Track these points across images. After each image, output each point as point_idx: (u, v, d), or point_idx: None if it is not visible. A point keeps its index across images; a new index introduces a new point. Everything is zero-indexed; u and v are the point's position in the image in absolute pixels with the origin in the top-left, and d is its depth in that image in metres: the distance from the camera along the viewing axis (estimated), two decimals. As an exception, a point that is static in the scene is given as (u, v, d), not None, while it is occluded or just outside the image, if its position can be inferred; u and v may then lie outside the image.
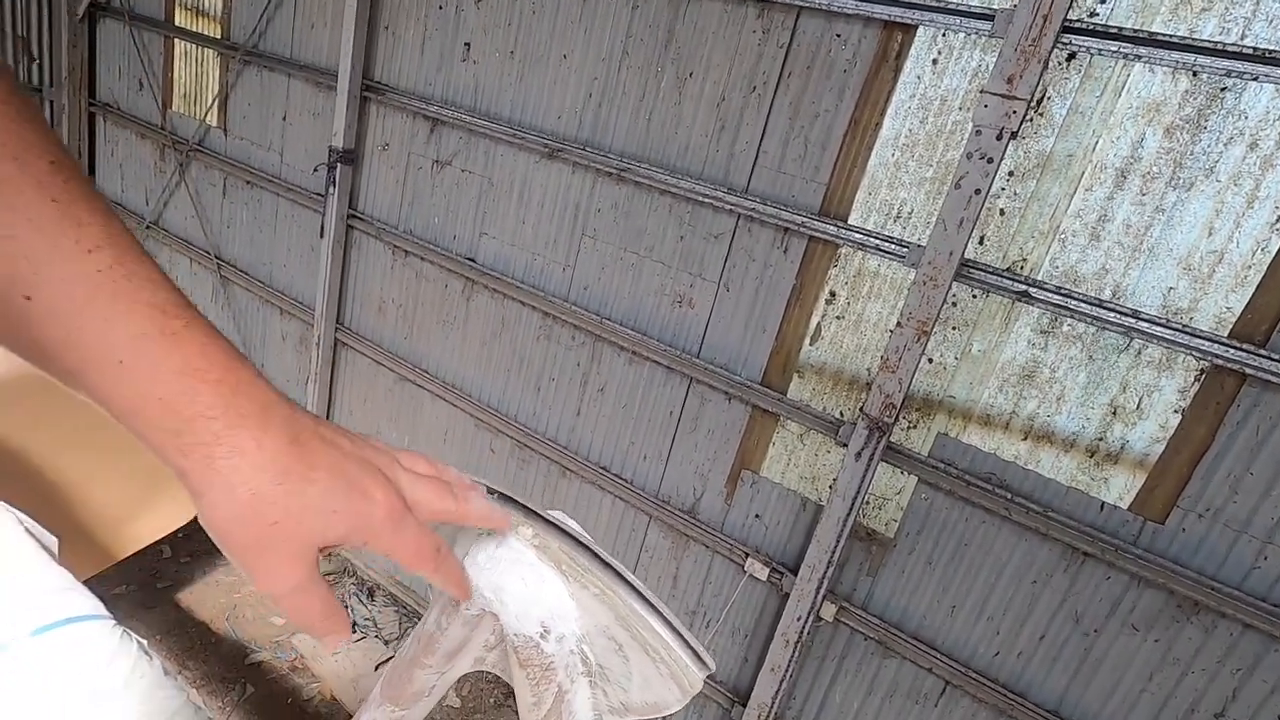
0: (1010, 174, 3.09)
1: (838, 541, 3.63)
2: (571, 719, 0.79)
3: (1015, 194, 3.11)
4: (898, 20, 3.21)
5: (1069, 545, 3.24)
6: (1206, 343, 2.84)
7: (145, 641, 1.64)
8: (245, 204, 6.26)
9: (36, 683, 1.47)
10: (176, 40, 6.42)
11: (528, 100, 4.43)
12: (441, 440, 5.35)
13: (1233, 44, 2.63)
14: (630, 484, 4.49)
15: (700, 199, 3.87)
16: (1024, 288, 3.12)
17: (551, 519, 0.87)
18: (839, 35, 3.37)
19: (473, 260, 4.87)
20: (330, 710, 4.94)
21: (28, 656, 1.50)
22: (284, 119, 5.77)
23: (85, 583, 1.74)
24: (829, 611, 3.83)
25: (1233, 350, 2.80)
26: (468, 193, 4.81)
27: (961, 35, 3.08)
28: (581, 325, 4.46)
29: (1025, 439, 3.29)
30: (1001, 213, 3.15)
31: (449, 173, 4.87)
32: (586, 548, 0.79)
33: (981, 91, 2.91)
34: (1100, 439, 3.13)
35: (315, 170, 5.52)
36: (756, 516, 4.08)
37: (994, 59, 2.97)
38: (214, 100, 6.21)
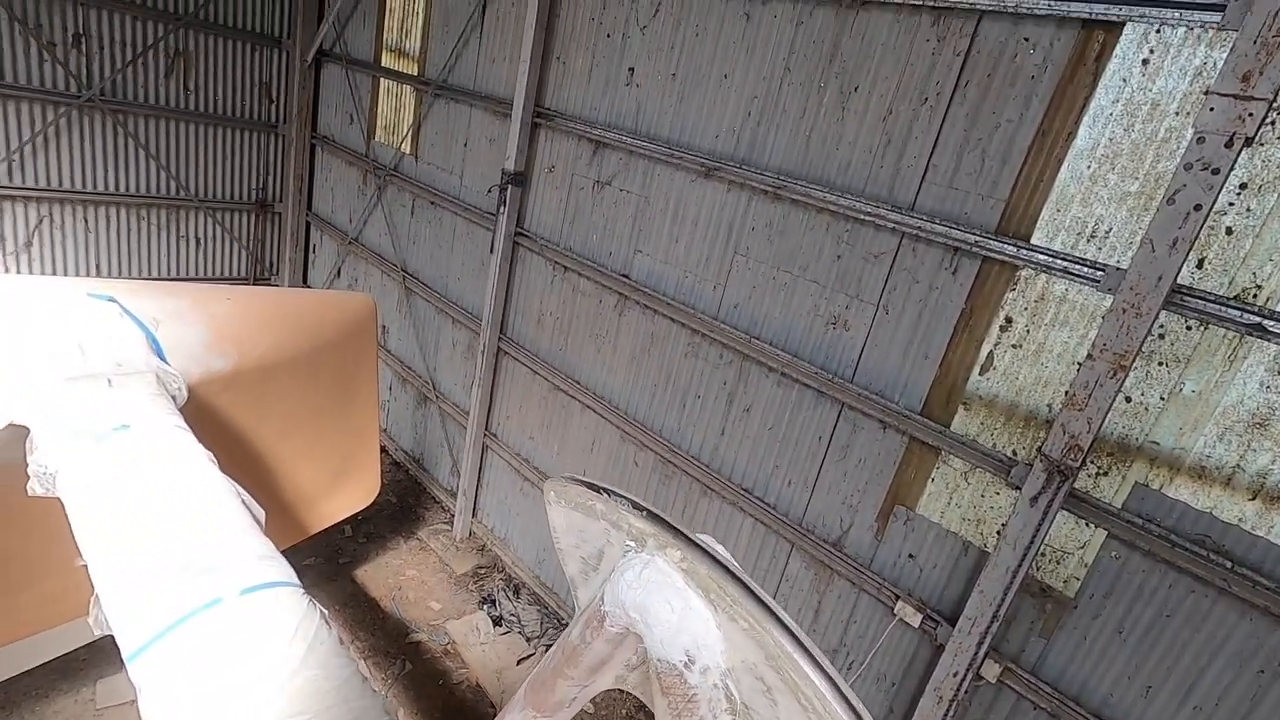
0: (1242, 187, 2.65)
1: (1005, 594, 3.27)
2: None
3: (1248, 210, 2.65)
4: (1100, 18, 2.87)
5: (1310, 632, 2.68)
6: None
7: (326, 612, 1.83)
8: (428, 222, 6.90)
9: (240, 635, 1.69)
10: (381, 79, 7.26)
11: (686, 121, 4.50)
12: (589, 450, 5.53)
13: None
14: (773, 509, 4.36)
15: (860, 217, 3.70)
16: (1257, 319, 2.65)
17: (701, 543, 0.85)
18: (1026, 39, 3.08)
19: (626, 276, 5.00)
20: (475, 697, 5.24)
21: (236, 611, 1.72)
22: (465, 145, 6.31)
23: (283, 553, 1.98)
24: (992, 671, 3.46)
25: None
26: (625, 211, 4.96)
27: (1182, 30, 2.70)
28: (730, 344, 4.41)
29: (1254, 499, 2.77)
30: (1229, 231, 2.70)
31: (608, 192, 5.06)
32: (737, 578, 0.76)
33: (1207, 92, 2.52)
34: (1359, 507, 2.56)
35: (489, 191, 5.97)
36: (910, 556, 3.79)
37: (1223, 55, 2.57)
38: (409, 130, 6.94)
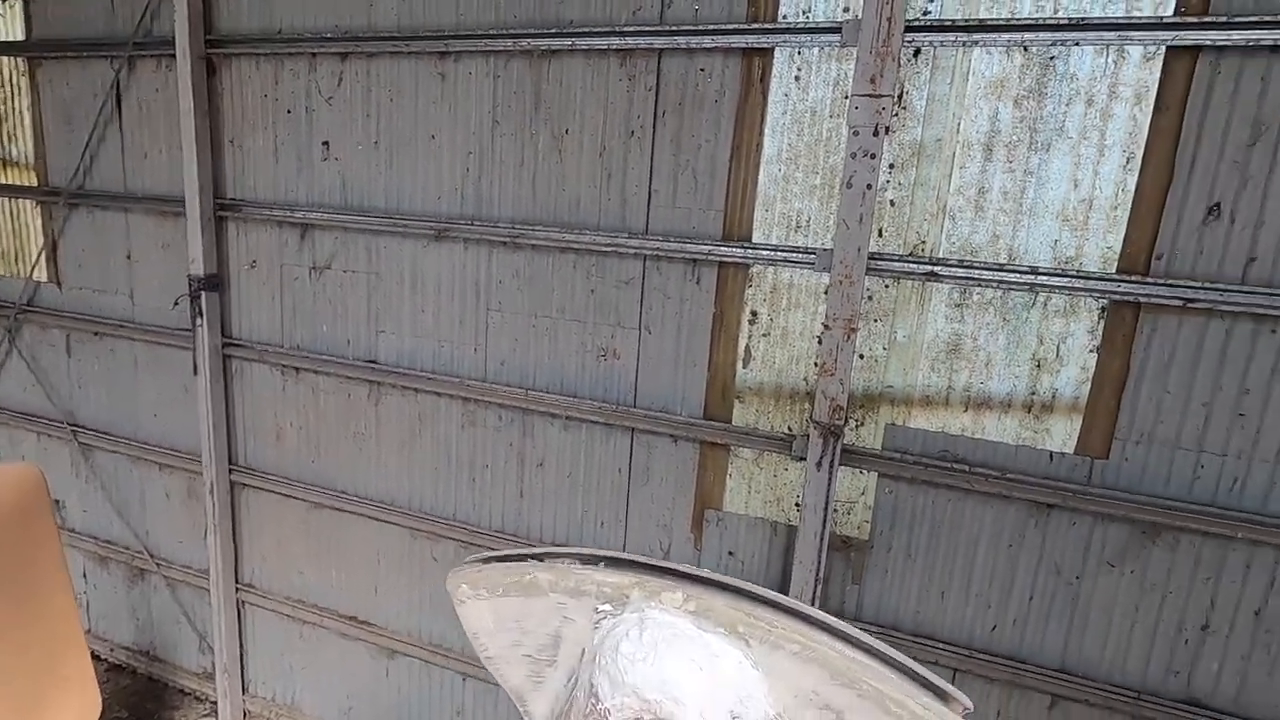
0: (891, 166, 3.27)
1: (819, 557, 3.56)
2: None
3: (900, 184, 3.28)
4: (754, 46, 3.36)
5: (1032, 501, 3.33)
6: (1099, 282, 3.06)
7: None
8: (95, 358, 5.60)
9: None
10: (-17, 198, 5.77)
11: (402, 187, 4.28)
12: (375, 563, 4.86)
13: (1049, 17, 2.94)
14: (593, 555, 4.23)
15: (603, 249, 3.82)
16: (930, 268, 3.26)
17: (699, 573, 0.71)
18: (703, 69, 3.49)
19: (374, 362, 4.55)
20: None
21: None
22: (128, 258, 5.27)
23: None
24: (827, 631, 3.72)
25: (1123, 284, 3.03)
26: (355, 293, 4.53)
27: (816, 50, 3.27)
28: (506, 403, 4.24)
29: (967, 410, 3.39)
30: (892, 204, 3.31)
31: (330, 277, 4.58)
32: (766, 599, 0.64)
33: (850, 95, 3.08)
34: (1033, 393, 3.27)
35: (175, 304, 5.04)
36: (730, 554, 3.95)
37: (851, 66, 3.16)
38: (40, 253, 5.59)
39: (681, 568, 0.72)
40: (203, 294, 4.80)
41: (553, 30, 3.71)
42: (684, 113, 3.56)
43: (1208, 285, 2.93)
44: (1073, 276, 3.08)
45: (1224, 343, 2.96)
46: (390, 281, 4.42)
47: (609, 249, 3.80)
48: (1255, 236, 2.86)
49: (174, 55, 4.51)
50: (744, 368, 3.72)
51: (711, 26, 3.40)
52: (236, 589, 5.34)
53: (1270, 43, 2.70)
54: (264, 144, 4.58)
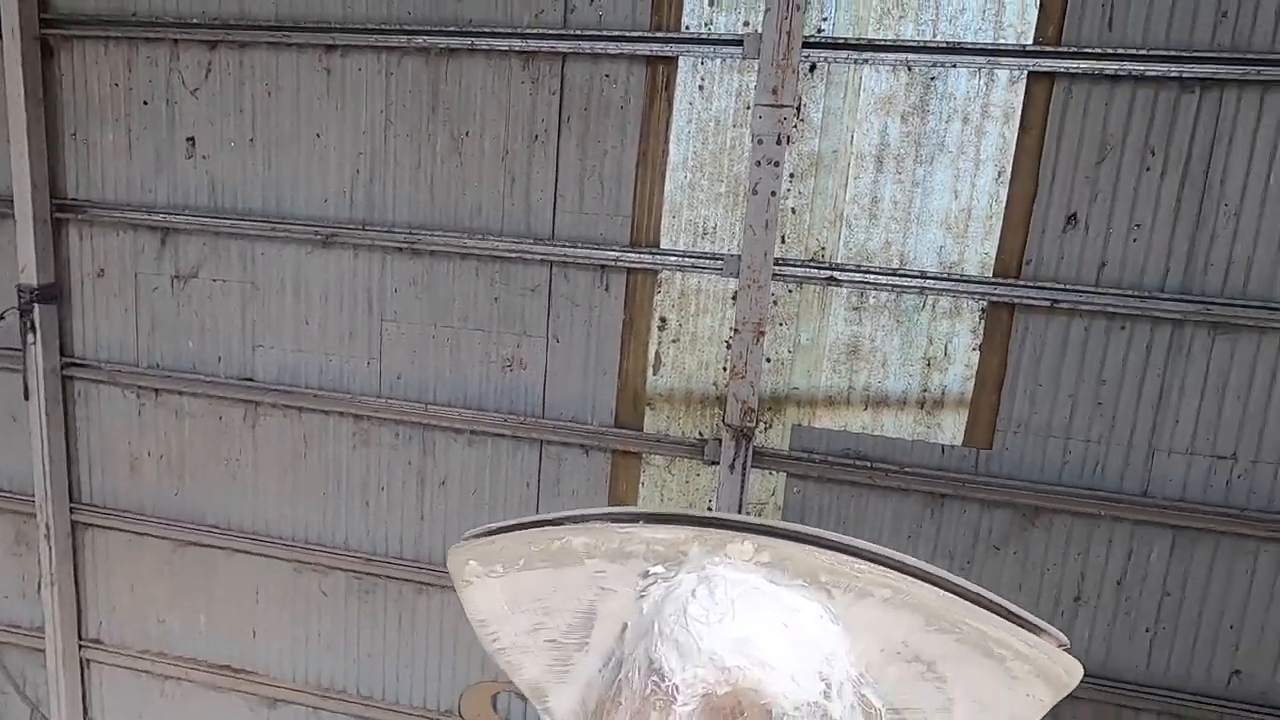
0: (791, 176, 3.39)
1: (734, 560, 3.58)
2: None
3: (800, 193, 3.41)
4: (658, 55, 3.40)
5: (927, 493, 3.53)
6: (978, 285, 3.31)
7: None
8: (-108, 385, 4.73)
9: None
10: None
11: (282, 189, 3.94)
12: (254, 602, 4.39)
13: (929, 41, 3.18)
14: (501, 576, 4.04)
15: (507, 255, 3.70)
16: (829, 273, 3.41)
17: (761, 523, 0.64)
18: (608, 75, 3.48)
19: (250, 380, 4.14)
20: None
21: None
22: (-63, 266, 4.50)
23: None
24: (742, 634, 3.75)
25: (999, 287, 3.30)
26: (228, 304, 4.11)
27: (719, 61, 3.35)
28: (404, 419, 3.98)
29: (866, 409, 3.55)
30: (793, 211, 3.43)
31: (197, 286, 4.14)
32: (846, 546, 0.58)
33: (754, 105, 3.18)
34: (925, 390, 3.48)
35: (1, 318, 4.36)
36: (645, 564, 3.90)
37: (753, 78, 3.26)
38: None
39: (736, 518, 0.66)
40: (36, 306, 4.18)
41: (451, 29, 3.57)
42: (589, 118, 3.52)
43: (1068, 287, 3.24)
44: (956, 280, 3.32)
45: (1084, 339, 3.29)
46: (269, 291, 4.05)
47: (514, 255, 3.68)
48: (1105, 243, 3.21)
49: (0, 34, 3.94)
50: (654, 374, 3.71)
51: (616, 33, 3.40)
52: (80, 646, 4.64)
53: (1111, 72, 3.06)
54: (115, 138, 4.08)
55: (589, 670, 0.88)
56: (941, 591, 0.59)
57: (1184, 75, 3.00)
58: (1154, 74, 3.02)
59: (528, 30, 3.49)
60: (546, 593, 0.87)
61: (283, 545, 4.24)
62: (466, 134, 3.67)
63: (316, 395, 4.04)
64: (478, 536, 1.01)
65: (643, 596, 0.67)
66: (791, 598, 0.61)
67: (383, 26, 3.64)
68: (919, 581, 0.60)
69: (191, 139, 4.00)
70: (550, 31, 3.47)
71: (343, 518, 4.20)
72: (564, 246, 3.62)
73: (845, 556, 0.60)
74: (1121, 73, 3.04)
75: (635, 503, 3.84)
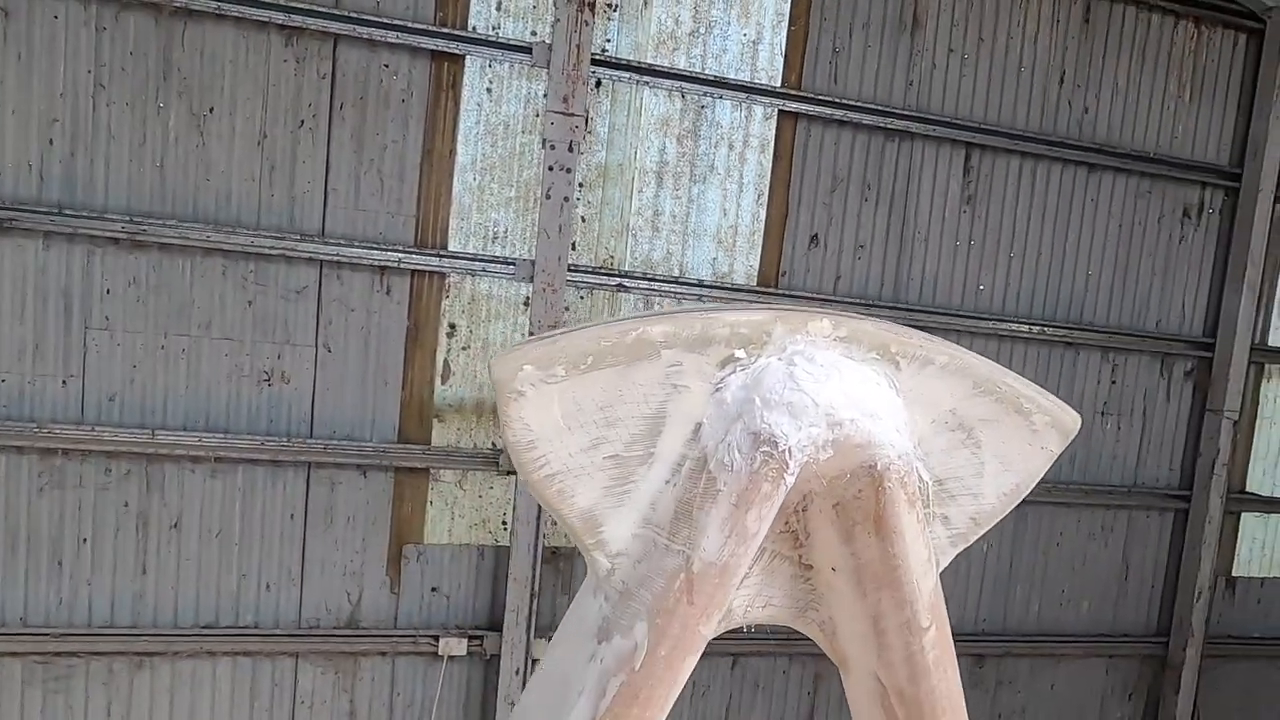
0: (581, 184, 3.49)
1: (534, 570, 3.48)
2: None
3: (590, 202, 3.52)
4: (444, 51, 3.28)
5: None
6: (747, 295, 3.71)
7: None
8: None
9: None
10: None
11: (-74, 156, 3.00)
12: None
13: (698, 72, 3.53)
14: (255, 629, 3.44)
15: (266, 252, 3.23)
16: (619, 280, 3.55)
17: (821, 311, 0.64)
18: (387, 65, 3.27)
19: None
20: None
21: None
22: None
23: None
24: (542, 648, 3.64)
25: (761, 296, 3.73)
26: None
27: (507, 65, 3.34)
28: (118, 450, 3.22)
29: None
30: (583, 220, 3.52)
31: None
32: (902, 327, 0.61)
33: (545, 111, 3.22)
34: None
35: None
36: (434, 590, 3.60)
37: (542, 86, 3.31)
38: None
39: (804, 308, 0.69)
40: None
41: (190, -13, 3.07)
42: (367, 108, 3.27)
43: (813, 296, 3.78)
44: (728, 289, 3.68)
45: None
46: (-99, 290, 3.02)
47: (274, 252, 3.24)
48: (839, 260, 3.82)
49: None
50: (443, 384, 3.50)
51: (395, 21, 3.22)
52: None
53: (839, 118, 3.68)
54: None
55: (653, 485, 0.79)
56: (986, 359, 0.68)
57: (887, 127, 3.74)
58: (867, 123, 3.71)
59: (292, 3, 3.15)
60: (612, 398, 0.74)
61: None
62: (210, 110, 3.16)
63: (-20, 427, 3.10)
64: (533, 342, 0.87)
65: (719, 389, 0.66)
66: (867, 371, 0.66)
67: (93, -30, 3.01)
68: (969, 351, 0.69)
69: None
70: (320, 9, 3.17)
71: (19, 588, 3.24)
72: (337, 245, 3.28)
73: (903, 331, 0.67)
74: (845, 119, 3.68)
75: (423, 524, 3.56)
